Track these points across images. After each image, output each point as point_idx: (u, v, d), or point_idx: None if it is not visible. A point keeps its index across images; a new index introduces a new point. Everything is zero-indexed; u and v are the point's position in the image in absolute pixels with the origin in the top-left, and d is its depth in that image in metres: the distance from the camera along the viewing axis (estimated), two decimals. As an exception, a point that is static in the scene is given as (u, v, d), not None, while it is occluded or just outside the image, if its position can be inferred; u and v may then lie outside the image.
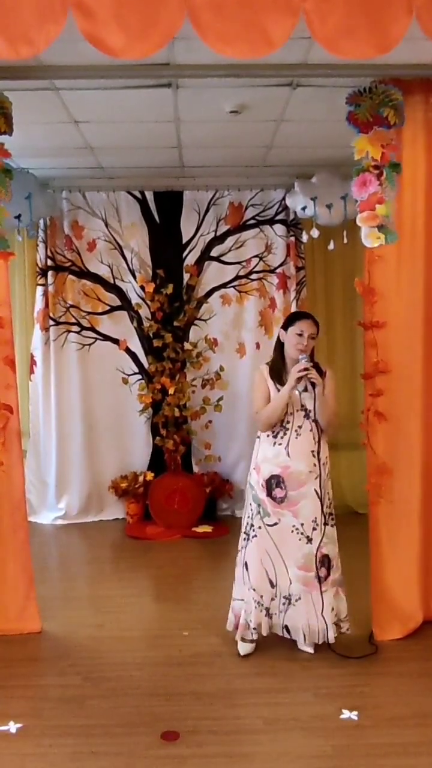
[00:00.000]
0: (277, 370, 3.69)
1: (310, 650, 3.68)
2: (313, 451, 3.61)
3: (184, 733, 3.00)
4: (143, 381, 6.44)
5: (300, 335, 3.60)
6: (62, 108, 4.20)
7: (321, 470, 3.61)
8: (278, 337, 3.75)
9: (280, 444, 3.63)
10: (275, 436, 3.65)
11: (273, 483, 3.62)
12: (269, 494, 3.63)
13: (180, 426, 6.29)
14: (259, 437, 3.75)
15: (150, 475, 6.30)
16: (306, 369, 3.52)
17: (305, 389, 3.62)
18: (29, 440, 6.40)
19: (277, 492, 3.62)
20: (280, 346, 3.73)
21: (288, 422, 3.62)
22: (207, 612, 4.21)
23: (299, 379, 3.54)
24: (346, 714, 3.11)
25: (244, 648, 3.69)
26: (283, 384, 3.61)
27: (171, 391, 6.19)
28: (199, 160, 5.51)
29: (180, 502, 6.11)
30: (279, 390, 3.62)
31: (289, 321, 3.71)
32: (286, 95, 4.09)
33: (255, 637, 3.67)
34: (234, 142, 5.04)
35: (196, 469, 6.54)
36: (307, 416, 3.63)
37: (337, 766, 2.78)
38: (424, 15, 2.90)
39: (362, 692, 3.32)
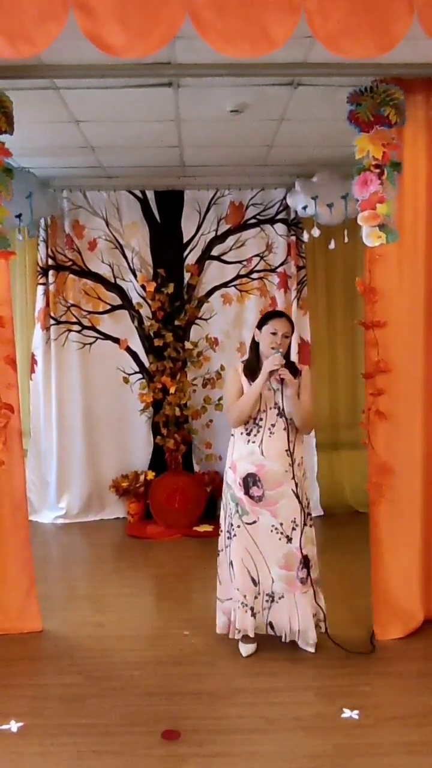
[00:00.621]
0: (252, 368, 3.69)
1: (311, 650, 3.67)
2: (287, 450, 3.59)
3: (184, 732, 3.00)
4: (144, 380, 6.44)
5: (274, 334, 3.61)
6: (63, 107, 4.20)
7: (295, 470, 3.60)
8: (253, 337, 3.76)
9: (253, 442, 3.63)
10: (248, 434, 3.64)
11: (250, 481, 3.62)
12: (246, 492, 3.63)
13: (181, 425, 6.30)
14: (233, 435, 3.74)
15: (151, 475, 6.31)
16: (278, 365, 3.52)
17: (278, 388, 3.61)
18: (30, 439, 6.40)
19: (254, 491, 3.61)
20: (255, 345, 3.73)
21: (261, 419, 3.62)
22: (207, 611, 4.18)
23: (271, 373, 3.54)
24: (347, 713, 3.11)
25: (246, 649, 3.69)
26: None
27: (172, 390, 6.19)
28: (200, 159, 5.51)
29: (181, 502, 6.11)
30: None
31: (264, 320, 3.72)
32: (287, 94, 4.08)
33: (239, 637, 3.67)
34: (235, 142, 5.04)
35: (196, 468, 6.54)
36: (280, 414, 3.62)
37: (338, 765, 2.78)
38: (425, 14, 2.90)
39: (363, 691, 3.32)
